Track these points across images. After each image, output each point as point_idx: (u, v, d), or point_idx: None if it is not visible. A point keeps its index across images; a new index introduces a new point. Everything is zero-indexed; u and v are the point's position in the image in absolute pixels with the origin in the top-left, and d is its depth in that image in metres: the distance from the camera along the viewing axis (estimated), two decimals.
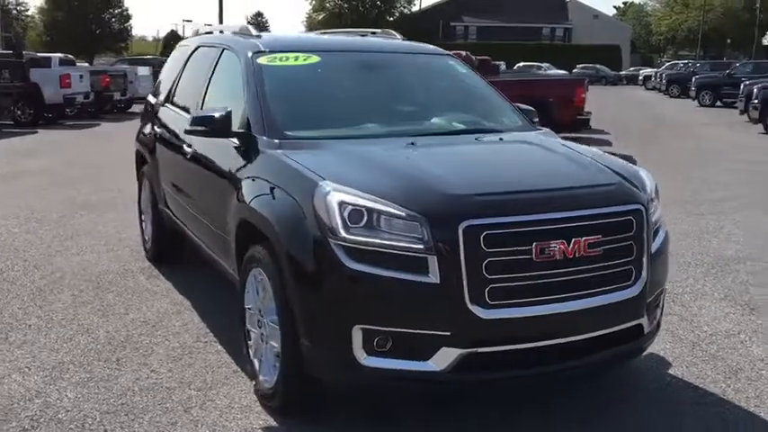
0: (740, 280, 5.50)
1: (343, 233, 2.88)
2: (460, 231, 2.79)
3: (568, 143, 3.89)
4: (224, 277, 4.29)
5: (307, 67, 4.22)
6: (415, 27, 60.72)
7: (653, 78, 44.81)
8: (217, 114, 3.82)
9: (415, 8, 68.91)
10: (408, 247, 2.82)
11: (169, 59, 6.22)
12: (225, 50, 4.62)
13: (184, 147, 4.56)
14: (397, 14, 67.60)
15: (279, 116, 3.78)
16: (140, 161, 6.07)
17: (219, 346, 4.16)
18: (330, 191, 2.97)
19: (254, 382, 3.55)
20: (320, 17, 69.42)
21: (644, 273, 3.14)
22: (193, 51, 5.34)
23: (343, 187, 2.98)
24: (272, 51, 4.21)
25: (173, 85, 5.46)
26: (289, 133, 3.67)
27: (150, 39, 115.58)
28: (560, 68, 38.94)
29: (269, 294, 3.30)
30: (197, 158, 4.38)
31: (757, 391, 3.62)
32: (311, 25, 70.11)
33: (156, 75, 25.16)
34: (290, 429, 3.25)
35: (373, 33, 5.32)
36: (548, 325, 2.92)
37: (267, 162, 3.52)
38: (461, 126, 4.08)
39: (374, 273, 2.83)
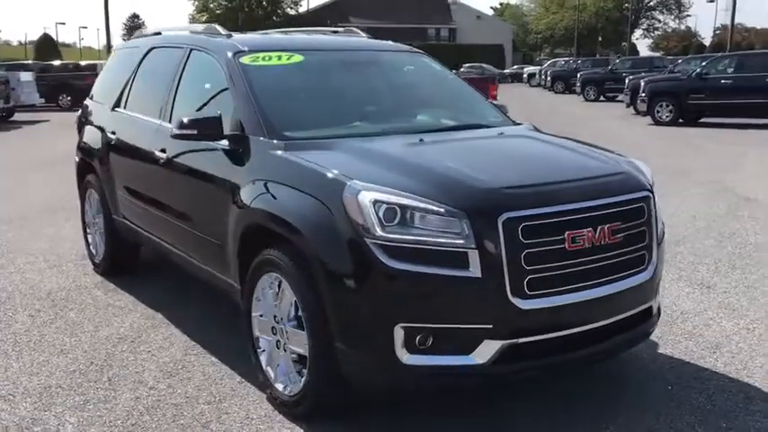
0: (687, 261, 5.83)
1: (379, 232, 2.85)
2: (500, 224, 2.82)
3: (559, 136, 4.00)
4: (194, 286, 4.14)
5: (292, 67, 4.14)
6: (303, 27, 60.38)
7: (537, 76, 46.66)
8: (208, 117, 3.69)
9: (302, 9, 68.53)
10: (448, 242, 2.83)
11: (110, 63, 5.94)
12: (194, 51, 4.46)
13: (156, 153, 4.35)
14: (283, 15, 66.94)
15: (275, 117, 3.68)
16: (83, 171, 5.75)
17: (213, 358, 4.01)
18: (361, 189, 2.93)
19: (268, 391, 3.45)
20: (203, 18, 67.75)
21: (654, 257, 3.29)
22: (146, 53, 5.11)
23: (373, 185, 2.95)
24: (252, 51, 4.10)
25: (124, 90, 5.21)
26: (289, 134, 3.59)
27: (16, 43, 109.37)
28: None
29: (288, 299, 3.22)
30: (174, 164, 4.20)
31: (743, 363, 3.87)
32: None
33: (39, 80, 24.18)
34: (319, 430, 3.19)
35: (335, 32, 5.28)
36: (580, 312, 3.01)
37: (274, 164, 3.43)
38: (453, 122, 4.13)
39: (414, 270, 2.82)
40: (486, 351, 2.86)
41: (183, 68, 4.47)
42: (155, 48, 5.07)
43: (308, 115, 3.90)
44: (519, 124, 4.31)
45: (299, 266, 3.11)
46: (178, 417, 3.36)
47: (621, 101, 25.85)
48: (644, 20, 72.29)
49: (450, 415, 3.34)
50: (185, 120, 3.70)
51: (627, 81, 23.59)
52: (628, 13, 62.58)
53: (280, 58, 4.12)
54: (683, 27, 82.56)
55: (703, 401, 3.44)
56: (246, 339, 3.59)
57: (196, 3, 66.90)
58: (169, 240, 4.49)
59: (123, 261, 5.54)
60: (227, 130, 3.72)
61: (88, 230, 5.86)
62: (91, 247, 5.81)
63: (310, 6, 66.44)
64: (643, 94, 19.78)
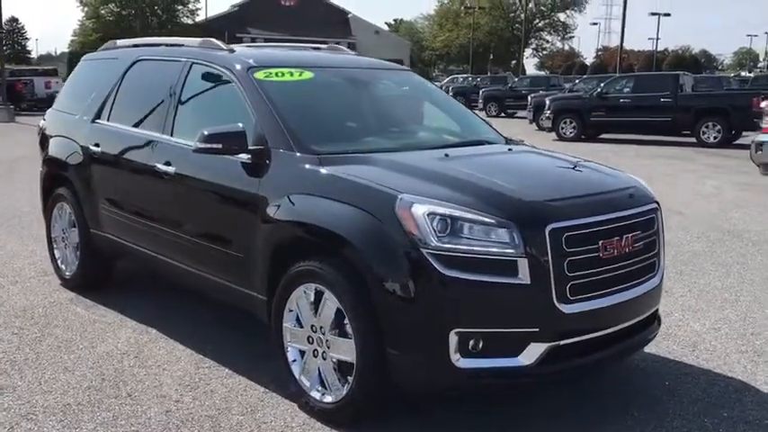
0: None
1: (434, 242, 3.02)
2: (547, 234, 3.06)
3: (558, 152, 4.30)
4: (177, 299, 4.13)
5: (305, 83, 4.24)
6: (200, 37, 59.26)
7: None
8: (233, 131, 3.74)
9: (198, 18, 67.23)
10: (499, 251, 3.03)
11: (80, 74, 5.81)
12: (195, 65, 4.47)
13: (158, 166, 4.33)
14: (180, 24, 65.46)
15: (302, 131, 3.77)
16: (52, 184, 5.58)
17: (227, 370, 4.03)
18: (414, 202, 3.09)
19: (303, 400, 3.52)
20: (94, 25, 65.31)
21: (662, 263, 3.63)
22: (131, 65, 5.05)
23: (424, 198, 3.12)
24: (264, 67, 4.17)
25: (106, 101, 5.11)
26: (317, 148, 3.69)
27: None
28: None
29: (330, 308, 3.33)
30: (184, 178, 4.20)
31: (721, 359, 4.27)
32: (84, 32, 65.74)
33: None
34: None
35: (317, 49, 5.39)
36: (610, 314, 3.28)
37: (310, 178, 3.52)
38: (460, 138, 4.36)
39: (468, 278, 3.00)
40: (532, 353, 3.08)
41: (184, 82, 4.46)
42: (141, 60, 5.02)
43: (328, 130, 4.02)
44: (511, 140, 4.58)
45: (346, 276, 3.23)
46: (216, 428, 3.39)
47: (522, 117, 27.06)
48: (533, 40, 75.52)
49: (478, 415, 3.53)
50: (209, 133, 3.73)
51: (530, 98, 24.72)
52: (519, 33, 65.20)
53: (291, 74, 4.21)
54: (566, 47, 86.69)
55: (700, 394, 3.80)
56: (277, 349, 3.65)
57: (86, 9, 64.36)
58: (168, 254, 4.45)
59: (98, 275, 5.41)
60: (248, 144, 3.78)
61: (55, 245, 5.68)
62: (59, 262, 5.63)
63: (209, 15, 65.15)
64: (548, 112, 20.83)
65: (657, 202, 3.68)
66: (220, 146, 3.75)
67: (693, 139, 18.49)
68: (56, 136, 5.60)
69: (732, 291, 5.62)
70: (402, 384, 3.21)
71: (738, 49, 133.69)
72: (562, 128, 20.27)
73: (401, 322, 3.10)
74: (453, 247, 3.02)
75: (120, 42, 5.66)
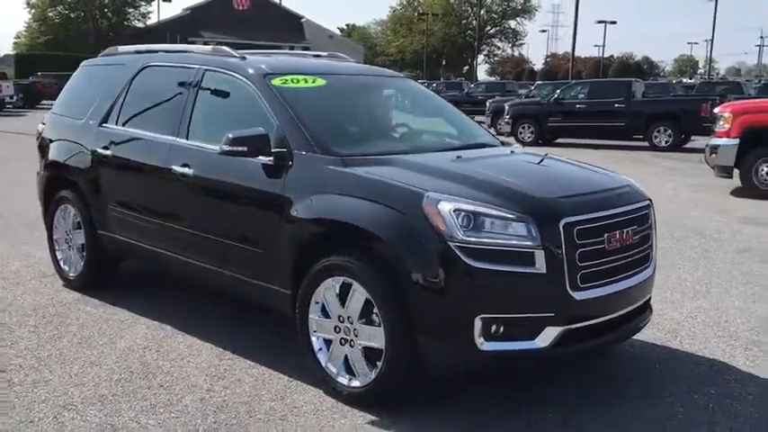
0: None
1: (461, 236, 3.31)
2: (561, 228, 3.38)
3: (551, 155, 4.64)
4: (184, 295, 4.33)
5: (319, 89, 4.49)
6: (151, 40, 58.59)
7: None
8: (257, 134, 3.97)
9: (150, 21, 66.46)
10: (518, 243, 3.34)
11: (81, 79, 5.95)
12: (208, 72, 4.67)
13: (174, 168, 4.52)
14: (130, 28, 64.66)
15: (323, 135, 4.03)
16: (54, 187, 5.70)
17: (248, 361, 4.24)
18: (440, 199, 3.38)
19: (330, 386, 3.77)
20: (42, 28, 64.07)
21: (654, 255, 3.99)
22: (139, 71, 5.22)
23: (449, 196, 3.41)
24: (280, 74, 4.41)
25: (113, 106, 5.27)
26: (339, 150, 3.95)
27: None
28: None
29: (358, 299, 3.58)
30: (203, 179, 4.40)
31: (702, 344, 4.66)
32: (31, 34, 64.43)
33: None
34: (394, 419, 3.55)
35: (317, 56, 5.64)
36: (614, 301, 3.62)
37: (336, 178, 3.77)
38: (462, 141, 4.66)
39: (491, 268, 3.31)
40: (547, 336, 3.39)
41: (198, 88, 4.66)
42: (149, 66, 5.19)
43: (345, 133, 4.29)
44: (506, 143, 4.91)
45: (375, 269, 3.50)
46: (252, 413, 3.61)
47: (480, 122, 27.56)
48: (485, 46, 76.76)
49: (495, 395, 3.84)
50: (234, 137, 3.96)
51: (488, 104, 25.28)
52: (471, 40, 66.23)
53: (306, 80, 4.46)
54: (516, 54, 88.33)
55: (688, 374, 4.17)
56: (302, 340, 3.89)
57: (33, 11, 63.05)
58: (183, 252, 4.64)
59: (103, 276, 5.56)
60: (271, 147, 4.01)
61: (57, 247, 5.79)
62: (61, 264, 5.75)
63: (161, 18, 64.34)
64: (507, 117, 21.40)
65: (650, 200, 4.04)
66: (245, 148, 3.97)
67: (646, 143, 19.23)
68: (58, 140, 5.72)
69: (702, 283, 6.06)
70: (430, 366, 3.49)
71: (679, 56, 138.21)
72: (520, 132, 20.82)
73: (431, 310, 3.38)
74: (477, 240, 3.32)
75: (122, 49, 5.82)
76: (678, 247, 7.38)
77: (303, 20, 70.64)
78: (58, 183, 5.69)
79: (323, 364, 3.81)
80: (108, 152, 5.14)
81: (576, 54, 73.62)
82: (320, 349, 3.84)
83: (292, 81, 4.39)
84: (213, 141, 4.37)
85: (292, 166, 3.94)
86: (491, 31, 75.34)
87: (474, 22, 73.08)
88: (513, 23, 77.83)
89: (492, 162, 4.17)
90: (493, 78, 74.27)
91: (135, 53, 5.57)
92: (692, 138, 19.66)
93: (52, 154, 5.74)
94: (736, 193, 11.02)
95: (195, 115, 4.64)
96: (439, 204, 3.37)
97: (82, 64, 6.12)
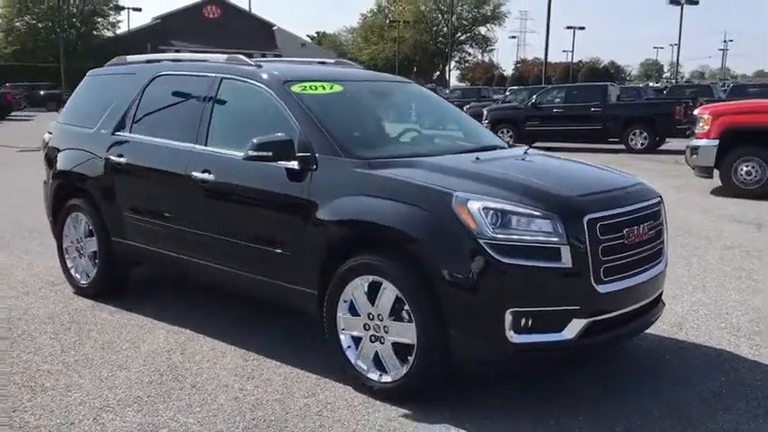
0: None
1: (490, 233, 3.45)
2: (585, 224, 3.54)
3: (560, 155, 4.81)
4: (199, 299, 4.52)
5: (336, 95, 4.61)
6: (122, 50, 58.16)
7: None
8: (281, 140, 4.09)
9: (120, 31, 65.95)
10: (545, 239, 3.49)
11: (89, 88, 6.02)
12: (225, 80, 4.77)
13: (195, 174, 4.61)
14: (100, 37, 64.11)
15: (346, 139, 4.16)
16: (64, 196, 5.75)
17: (275, 361, 4.33)
18: (469, 199, 3.53)
19: (361, 382, 3.88)
20: (9, 38, 63.22)
21: (666, 251, 4.17)
22: (151, 80, 5.29)
23: (477, 195, 3.55)
24: (299, 80, 4.53)
25: (126, 115, 5.34)
26: (362, 153, 4.08)
27: None
28: None
29: (389, 297, 3.71)
30: (223, 186, 4.50)
31: (707, 335, 4.86)
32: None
33: None
34: (425, 412, 3.67)
35: (323, 63, 5.76)
36: (632, 293, 3.79)
37: (362, 180, 3.89)
38: (475, 143, 4.81)
39: (521, 264, 3.45)
40: (574, 328, 3.54)
41: (216, 96, 4.75)
42: (162, 75, 5.27)
43: (366, 137, 4.42)
44: (514, 145, 5.08)
45: (406, 267, 3.63)
46: (287, 410, 3.71)
47: None
48: (456, 53, 77.43)
49: (524, 387, 3.99)
50: (260, 142, 4.07)
51: (465, 109, 25.55)
52: (442, 46, 66.74)
53: (324, 87, 4.58)
54: (486, 60, 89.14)
55: (698, 364, 4.36)
56: (331, 338, 4.00)
57: (0, 22, 62.17)
58: (204, 257, 4.71)
59: (116, 282, 5.61)
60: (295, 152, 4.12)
61: (67, 255, 5.82)
62: (72, 271, 5.78)
63: (131, 28, 63.92)
64: (486, 121, 21.66)
65: (660, 196, 4.22)
66: (270, 153, 4.08)
67: (621, 146, 19.61)
68: (67, 149, 5.76)
69: (698, 279, 6.28)
70: (462, 360, 3.63)
71: (644, 60, 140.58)
72: (499, 136, 21.01)
73: (462, 305, 3.51)
74: (506, 237, 3.47)
75: (130, 58, 5.88)
76: (670, 246, 7.59)
77: (275, 28, 70.67)
78: (68, 191, 5.73)
79: (352, 361, 3.92)
80: (122, 160, 5.20)
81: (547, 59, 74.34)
82: (349, 347, 3.95)
83: (311, 88, 4.51)
84: (233, 147, 4.49)
85: (317, 169, 4.06)
86: (462, 37, 76.07)
87: (445, 28, 73.73)
88: (483, 30, 78.71)
89: (510, 163, 4.33)
90: (463, 84, 74.92)
91: (145, 62, 5.64)
92: (666, 140, 20.14)
93: (61, 163, 5.78)
94: (717, 192, 11.34)
95: (213, 122, 4.72)
96: (468, 203, 3.51)
97: (88, 74, 6.17)
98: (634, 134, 19.57)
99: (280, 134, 4.14)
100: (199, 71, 5.03)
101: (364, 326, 3.86)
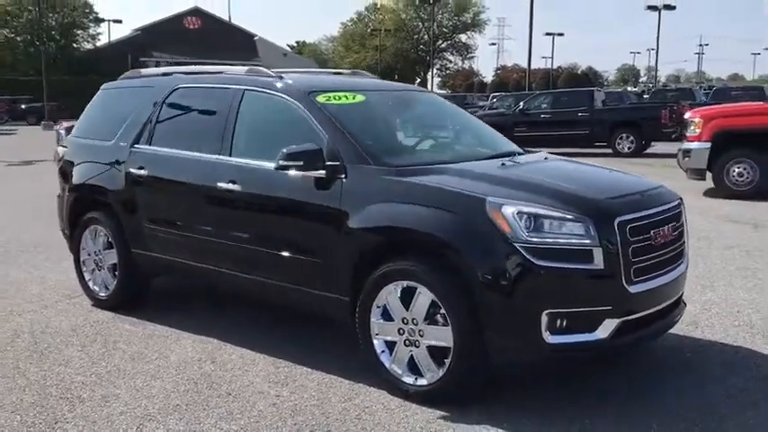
0: None
1: (525, 237, 3.55)
2: (616, 226, 3.65)
3: (577, 160, 4.92)
4: (218, 309, 4.83)
5: (360, 105, 4.70)
6: (102, 62, 57.95)
7: None
8: (311, 149, 4.16)
9: (100, 43, 65.53)
10: (578, 242, 3.59)
11: (104, 102, 6.07)
12: (248, 91, 4.84)
13: (220, 185, 4.66)
14: (81, 49, 63.71)
15: (374, 147, 4.24)
16: (81, 209, 5.77)
17: (305, 368, 4.39)
18: (503, 204, 3.62)
19: (396, 386, 3.95)
20: None
21: (687, 252, 4.29)
22: (170, 93, 5.34)
23: (510, 200, 3.65)
24: (323, 91, 4.61)
25: (145, 127, 5.38)
26: (390, 161, 4.17)
27: None
28: None
29: (423, 302, 3.79)
30: (251, 195, 4.56)
31: (722, 333, 4.98)
32: None
33: None
34: (462, 413, 3.75)
35: (338, 73, 5.85)
36: (659, 293, 3.90)
37: (392, 187, 3.98)
38: (493, 150, 4.90)
39: (555, 266, 3.55)
40: (606, 328, 3.64)
41: (239, 107, 4.81)
42: (180, 88, 5.32)
43: (392, 145, 4.51)
44: (531, 150, 5.19)
45: (441, 272, 3.71)
46: (327, 415, 3.78)
47: None
48: (437, 60, 77.88)
49: (556, 387, 4.08)
50: (290, 152, 4.15)
51: None
52: (423, 54, 67.07)
53: (347, 97, 4.66)
54: (466, 67, 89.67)
55: (718, 361, 4.48)
56: (364, 344, 4.07)
57: None
58: (231, 266, 4.76)
59: (136, 294, 5.64)
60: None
61: (85, 268, 5.84)
62: (90, 284, 5.80)
63: (111, 40, 63.57)
64: None
65: (681, 199, 4.35)
66: (301, 163, 4.16)
67: (609, 150, 19.87)
68: (84, 162, 5.80)
69: (705, 279, 6.41)
70: (499, 361, 3.72)
71: (621, 65, 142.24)
72: None
73: (499, 308, 3.60)
74: (540, 240, 3.57)
75: (145, 71, 5.94)
76: None
77: (256, 38, 70.57)
78: (85, 204, 5.76)
79: (387, 366, 3.99)
80: (143, 172, 5.24)
81: (526, 66, 75.04)
82: (383, 351, 4.02)
83: (335, 98, 4.59)
84: (259, 158, 4.56)
85: (347, 178, 4.13)
86: (442, 45, 76.54)
87: (425, 36, 74.10)
88: (463, 37, 79.21)
89: (535, 168, 4.43)
90: (444, 91, 75.28)
91: (161, 75, 5.69)
92: (652, 143, 20.44)
93: (78, 176, 5.81)
94: (709, 193, 11.54)
95: (237, 133, 4.78)
96: (502, 208, 3.61)
97: (102, 87, 6.21)
98: (621, 138, 19.85)
99: (309, 144, 4.21)
100: (219, 83, 5.10)
101: (398, 330, 3.93)
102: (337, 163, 4.18)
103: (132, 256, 5.42)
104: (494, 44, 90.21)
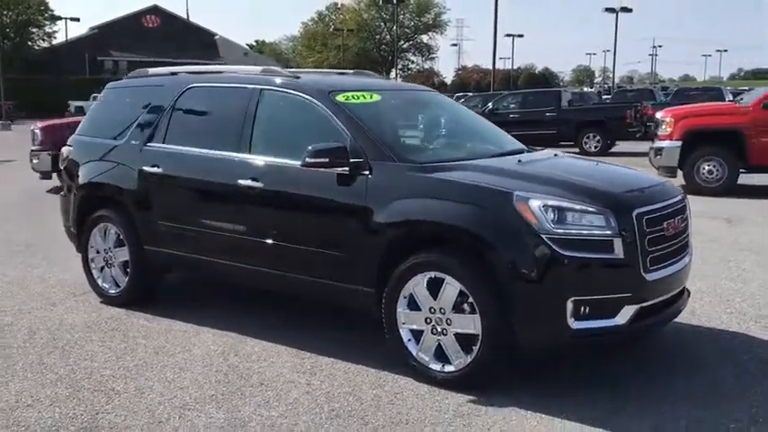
0: None
1: (552, 228, 3.76)
2: (634, 218, 3.88)
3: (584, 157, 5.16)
4: (229, 303, 5.11)
5: (377, 104, 4.86)
6: (59, 60, 56.94)
7: None
8: (336, 147, 4.31)
9: (56, 41, 64.23)
10: (600, 233, 3.82)
11: (111, 101, 6.13)
12: (265, 91, 4.96)
13: (242, 182, 4.77)
14: (36, 47, 62.45)
15: (397, 145, 4.42)
16: (90, 207, 5.81)
17: (328, 358, 4.53)
18: (529, 197, 3.83)
19: (424, 373, 4.12)
20: None
21: (691, 243, 4.55)
22: (182, 92, 5.43)
23: (536, 193, 3.86)
24: (341, 90, 4.76)
25: (158, 126, 5.46)
26: (413, 158, 4.34)
27: None
28: None
29: (451, 291, 3.97)
30: (273, 192, 4.69)
31: (717, 321, 5.28)
32: None
33: None
34: (489, 397, 3.94)
35: (342, 74, 6.00)
36: (670, 281, 4.14)
37: (418, 183, 4.15)
38: (501, 148, 5.10)
39: (579, 256, 3.77)
40: (625, 314, 3.87)
41: (257, 106, 4.93)
42: (193, 87, 5.41)
43: (412, 143, 4.68)
44: (534, 148, 5.41)
45: (469, 262, 3.91)
46: (361, 401, 3.94)
47: None
48: (399, 60, 78.27)
49: (574, 372, 4.30)
50: (316, 149, 4.29)
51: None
52: (386, 54, 67.37)
53: (364, 96, 4.82)
54: (427, 67, 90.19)
55: (717, 345, 4.78)
56: (390, 333, 4.24)
57: None
58: (252, 262, 4.87)
59: (148, 290, 5.71)
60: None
61: (94, 265, 5.88)
62: (99, 282, 5.85)
63: (68, 38, 62.37)
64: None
65: (684, 193, 4.61)
66: (327, 160, 4.31)
67: (576, 149, 20.33)
68: (92, 161, 5.84)
69: (694, 270, 6.61)
70: (526, 346, 3.92)
71: (576, 66, 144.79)
72: None
73: (527, 296, 3.81)
74: (565, 231, 3.78)
75: (152, 71, 6.00)
76: None
77: (217, 37, 70.01)
78: (93, 202, 5.80)
79: (414, 354, 4.17)
80: (158, 170, 5.32)
81: (486, 66, 75.42)
82: (409, 340, 4.19)
83: (353, 97, 4.75)
84: (281, 155, 4.70)
85: (372, 174, 4.29)
86: (405, 45, 76.96)
87: (388, 36, 74.47)
88: (425, 38, 79.75)
89: (549, 164, 4.65)
90: None
91: (170, 75, 5.77)
92: (617, 143, 20.99)
93: (86, 175, 5.85)
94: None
95: (256, 132, 4.90)
96: (529, 201, 3.81)
97: (107, 87, 6.25)
98: (588, 138, 20.34)
99: (334, 142, 4.36)
100: (234, 83, 5.21)
101: (426, 319, 4.11)
102: (361, 160, 4.33)
103: (145, 253, 5.49)
104: (455, 45, 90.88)
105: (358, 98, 4.77)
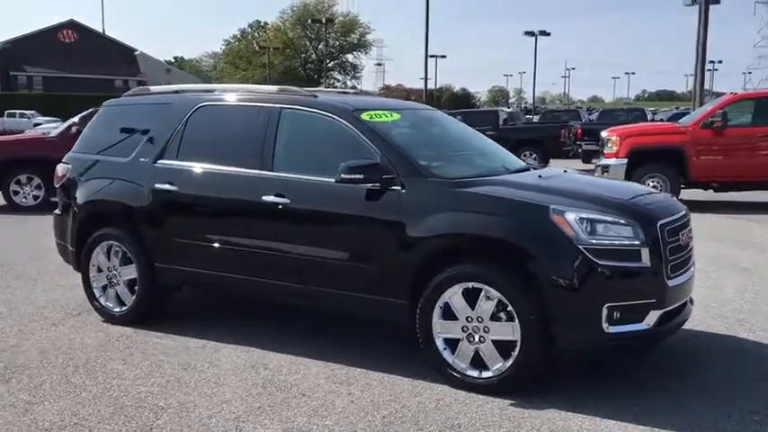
0: None
1: (588, 239, 4.03)
2: (658, 229, 4.20)
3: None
4: (246, 317, 5.21)
5: (398, 122, 5.05)
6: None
7: None
8: (370, 163, 4.48)
9: None
10: (629, 243, 4.12)
11: (114, 118, 6.09)
12: (285, 110, 5.06)
13: (265, 198, 4.86)
14: None
15: (426, 161, 4.61)
16: (93, 226, 5.74)
17: (360, 369, 4.64)
18: (566, 210, 4.09)
19: (461, 380, 4.30)
20: None
21: (693, 256, 4.91)
22: (194, 110, 5.46)
23: (571, 207, 4.12)
24: (365, 110, 4.93)
25: (167, 144, 5.46)
26: (441, 174, 4.56)
27: None
28: None
29: (488, 302, 4.18)
30: (301, 208, 4.80)
31: (704, 325, 5.67)
32: None
33: None
34: (527, 400, 4.15)
35: (344, 92, 6.16)
36: (683, 288, 4.48)
37: (454, 197, 4.36)
38: (511, 165, 5.36)
39: (613, 264, 4.05)
40: (651, 318, 4.17)
41: (278, 125, 5.03)
42: (205, 105, 5.45)
43: (438, 159, 4.88)
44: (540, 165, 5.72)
45: (509, 273, 4.13)
46: (408, 408, 4.08)
47: None
48: (324, 79, 78.50)
49: (605, 377, 4.57)
50: (351, 166, 4.44)
51: None
52: (312, 73, 67.50)
53: (386, 115, 5.00)
54: (354, 86, 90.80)
55: (711, 347, 5.15)
56: (425, 343, 4.41)
57: None
58: (278, 277, 4.94)
59: (155, 308, 5.68)
60: None
61: (95, 284, 5.80)
62: (102, 301, 5.77)
63: None
64: None
65: (686, 208, 4.98)
66: (361, 176, 4.46)
67: None
68: (94, 179, 5.79)
69: None
70: (564, 351, 4.17)
71: (492, 87, 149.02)
72: None
73: (565, 303, 4.05)
74: (599, 242, 4.06)
75: (153, 89, 6.01)
76: None
77: (137, 52, 68.51)
78: (96, 221, 5.74)
79: (450, 362, 4.35)
80: (172, 187, 5.32)
81: (407, 86, 76.44)
82: (445, 349, 4.37)
83: (376, 116, 4.93)
84: (307, 172, 4.82)
85: (404, 190, 4.46)
86: (330, 64, 77.30)
87: (313, 55, 74.72)
88: (350, 57, 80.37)
89: (567, 179, 4.94)
90: None
91: (175, 93, 5.79)
92: (551, 160, 21.80)
93: (87, 193, 5.78)
94: None
95: (278, 149, 4.99)
96: (565, 214, 4.08)
97: (105, 104, 6.20)
98: (525, 155, 20.98)
99: (367, 159, 4.52)
100: (250, 102, 5.29)
101: (462, 328, 4.30)
102: (392, 176, 4.50)
103: (155, 270, 5.46)
104: (380, 64, 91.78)
105: (381, 117, 4.95)
